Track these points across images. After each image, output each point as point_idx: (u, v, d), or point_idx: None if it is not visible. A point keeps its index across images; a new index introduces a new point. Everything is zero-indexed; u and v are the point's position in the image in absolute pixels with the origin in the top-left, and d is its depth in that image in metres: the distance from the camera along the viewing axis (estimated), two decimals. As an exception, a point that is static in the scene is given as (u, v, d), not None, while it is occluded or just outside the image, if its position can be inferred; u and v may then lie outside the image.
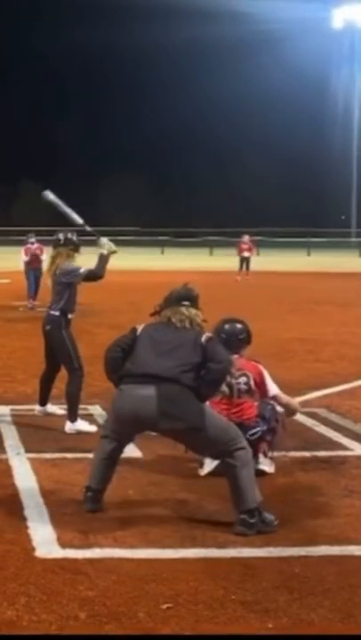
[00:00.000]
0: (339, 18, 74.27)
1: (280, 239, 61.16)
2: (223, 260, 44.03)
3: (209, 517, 5.42)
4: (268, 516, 5.22)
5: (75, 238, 8.33)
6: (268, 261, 39.46)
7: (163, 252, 55.16)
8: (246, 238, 32.12)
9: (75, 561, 4.72)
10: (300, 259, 48.65)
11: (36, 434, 7.41)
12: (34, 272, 19.76)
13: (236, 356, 6.38)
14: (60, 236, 8.37)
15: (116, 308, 17.67)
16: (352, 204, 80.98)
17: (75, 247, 8.22)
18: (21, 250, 21.22)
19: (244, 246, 31.70)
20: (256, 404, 6.47)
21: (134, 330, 5.63)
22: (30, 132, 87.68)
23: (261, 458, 6.33)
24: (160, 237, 59.47)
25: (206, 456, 5.81)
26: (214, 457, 5.53)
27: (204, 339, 5.45)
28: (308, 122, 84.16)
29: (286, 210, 78.05)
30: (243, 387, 6.39)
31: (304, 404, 8.79)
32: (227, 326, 6.63)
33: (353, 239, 70.72)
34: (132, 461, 6.57)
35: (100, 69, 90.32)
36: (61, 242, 8.30)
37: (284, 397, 6.62)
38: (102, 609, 4.17)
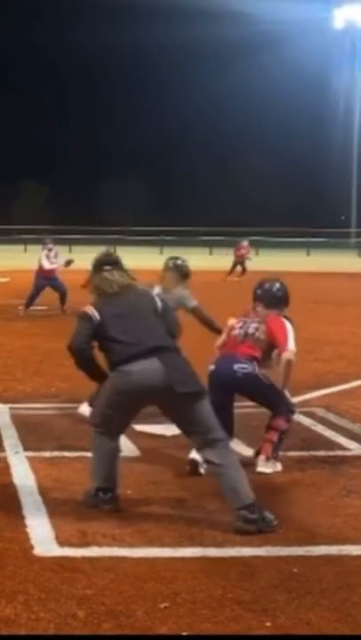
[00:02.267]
0: (340, 18, 74.29)
1: (280, 239, 61.18)
2: (223, 260, 44.03)
3: (208, 516, 5.42)
4: (269, 515, 5.21)
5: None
6: (267, 261, 39.41)
7: (162, 252, 55.16)
8: (245, 243, 32.16)
9: (73, 559, 4.72)
10: (299, 258, 48.64)
11: (34, 432, 7.41)
12: (50, 281, 18.05)
13: (268, 312, 6.65)
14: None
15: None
16: (352, 205, 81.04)
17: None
18: (42, 256, 18.32)
19: (243, 251, 31.76)
20: (258, 348, 6.55)
21: (89, 316, 5.60)
22: (31, 131, 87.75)
23: (261, 461, 6.40)
24: (160, 237, 59.50)
25: (194, 441, 5.59)
26: (199, 444, 5.50)
27: (159, 306, 5.70)
28: (309, 122, 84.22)
29: (286, 210, 78.12)
30: (251, 330, 6.63)
31: (303, 403, 8.79)
32: (266, 284, 6.91)
33: (352, 239, 70.76)
34: (130, 460, 6.57)
35: (100, 69, 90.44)
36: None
37: (290, 360, 6.38)
38: (100, 607, 4.17)
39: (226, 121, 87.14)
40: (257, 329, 6.61)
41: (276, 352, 6.54)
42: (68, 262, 17.91)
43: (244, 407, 8.57)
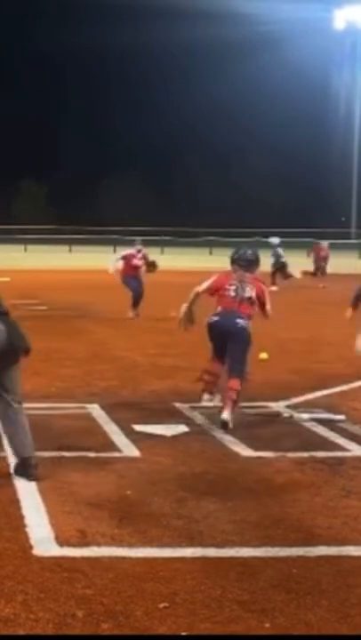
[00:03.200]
0: (340, 18, 74.26)
1: (280, 239, 61.14)
2: (223, 261, 44.02)
3: (207, 516, 5.42)
4: (35, 472, 6.08)
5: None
6: (267, 261, 39.40)
7: (163, 252, 55.18)
8: (325, 244, 32.62)
9: (72, 559, 4.72)
10: (299, 259, 48.59)
11: (34, 432, 7.38)
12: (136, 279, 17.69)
13: (247, 274, 8.51)
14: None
15: (115, 307, 17.66)
16: (352, 206, 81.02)
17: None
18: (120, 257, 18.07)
19: (323, 253, 32.12)
20: (252, 308, 8.45)
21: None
22: (31, 131, 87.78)
23: (226, 414, 7.72)
24: (160, 237, 59.48)
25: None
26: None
27: None
28: (310, 123, 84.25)
29: (286, 210, 78.12)
30: (246, 294, 8.41)
31: (303, 404, 8.81)
32: (241, 250, 8.79)
33: (353, 240, 70.72)
34: (130, 461, 6.58)
35: (101, 69, 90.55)
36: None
37: (270, 310, 8.62)
38: (99, 607, 4.17)
39: (226, 121, 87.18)
40: (251, 292, 8.41)
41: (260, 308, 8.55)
42: (152, 265, 18.14)
43: (241, 407, 8.58)
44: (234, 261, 8.68)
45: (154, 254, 53.11)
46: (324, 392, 9.50)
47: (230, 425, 7.65)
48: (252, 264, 8.70)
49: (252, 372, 8.64)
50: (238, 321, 8.22)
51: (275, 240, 26.81)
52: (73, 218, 68.36)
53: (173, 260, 44.30)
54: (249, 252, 8.81)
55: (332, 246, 60.83)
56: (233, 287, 8.42)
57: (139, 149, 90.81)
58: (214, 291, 8.50)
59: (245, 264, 8.65)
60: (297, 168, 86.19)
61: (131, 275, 17.54)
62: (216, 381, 8.41)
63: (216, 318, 8.31)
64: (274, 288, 22.85)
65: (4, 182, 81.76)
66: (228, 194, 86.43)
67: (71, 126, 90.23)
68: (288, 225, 65.68)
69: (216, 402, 8.29)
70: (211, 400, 8.40)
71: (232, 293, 8.39)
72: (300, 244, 59.25)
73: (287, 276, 25.86)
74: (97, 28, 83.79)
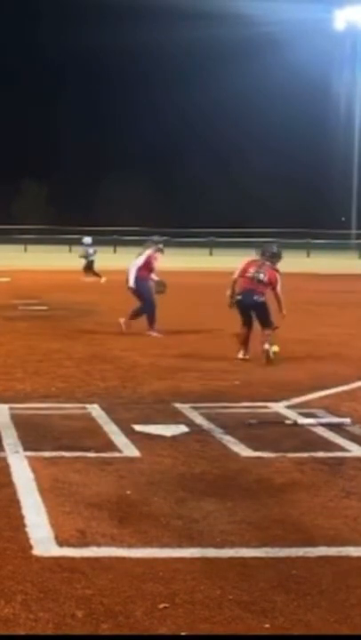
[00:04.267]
0: (341, 19, 74.29)
1: (280, 240, 61.14)
2: (223, 261, 43.97)
3: (207, 517, 5.42)
4: None
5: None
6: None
7: (163, 252, 55.14)
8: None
9: (72, 559, 4.72)
10: (299, 260, 48.60)
11: (34, 432, 7.41)
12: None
13: (267, 263, 11.95)
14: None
15: (115, 307, 17.65)
16: (352, 206, 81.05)
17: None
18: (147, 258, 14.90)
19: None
20: (265, 288, 11.79)
21: None
22: (31, 130, 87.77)
23: (267, 345, 11.40)
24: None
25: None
26: None
27: None
28: (310, 123, 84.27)
29: (286, 211, 78.09)
30: (260, 277, 11.78)
31: (303, 404, 8.81)
32: (267, 245, 12.45)
33: (353, 241, 70.75)
34: (130, 461, 6.58)
35: (102, 69, 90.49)
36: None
37: (279, 291, 11.87)
38: (99, 607, 4.17)
39: (226, 122, 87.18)
40: (264, 276, 11.76)
41: (272, 289, 11.86)
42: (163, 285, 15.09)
43: (241, 407, 8.59)
44: (260, 253, 12.28)
45: (154, 254, 52.10)
46: (325, 392, 9.49)
47: (271, 353, 11.30)
48: (273, 256, 12.12)
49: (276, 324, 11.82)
50: (256, 297, 11.69)
51: (87, 240, 28.99)
52: (73, 218, 68.34)
53: (173, 260, 44.31)
54: (274, 247, 12.33)
55: (331, 246, 61.15)
56: (253, 269, 11.85)
57: (139, 150, 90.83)
58: (242, 273, 11.89)
59: (268, 255, 12.13)
60: (297, 168, 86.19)
61: (146, 279, 14.70)
62: (247, 342, 11.69)
63: (240, 297, 11.79)
64: (88, 280, 27.01)
65: (4, 182, 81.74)
66: (228, 194, 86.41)
67: (71, 126, 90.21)
68: (288, 225, 65.71)
69: (246, 356, 11.59)
70: (244, 355, 11.62)
71: (251, 275, 11.81)
72: (301, 245, 59.38)
73: (94, 274, 27.58)
74: (97, 28, 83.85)
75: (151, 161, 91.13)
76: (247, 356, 11.54)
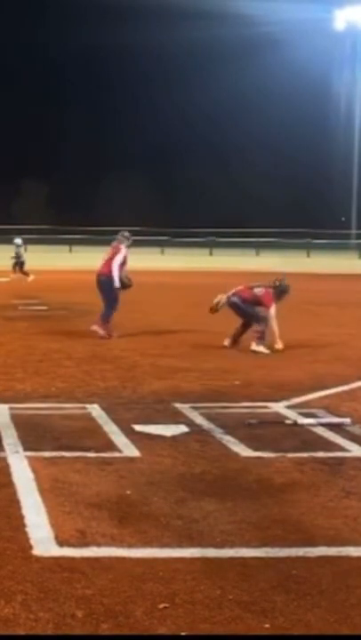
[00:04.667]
0: (341, 19, 74.29)
1: (280, 240, 61.16)
2: (223, 261, 43.99)
3: (207, 517, 5.42)
4: None
5: None
6: (267, 262, 39.45)
7: (163, 252, 55.19)
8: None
9: (72, 559, 4.72)
10: (299, 260, 48.63)
11: (34, 432, 7.41)
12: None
13: (270, 290, 12.81)
14: None
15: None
16: (352, 206, 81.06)
17: None
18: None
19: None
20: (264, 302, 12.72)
21: None
22: (31, 130, 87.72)
23: (254, 345, 12.35)
24: (160, 237, 59.46)
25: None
26: None
27: None
28: (310, 123, 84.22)
29: (286, 211, 78.07)
30: (256, 291, 12.83)
31: (303, 404, 8.81)
32: (280, 277, 13.23)
33: (353, 241, 70.74)
34: (130, 461, 6.58)
35: (102, 69, 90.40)
36: None
37: (273, 323, 12.62)
38: (99, 607, 4.17)
39: (227, 121, 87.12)
40: (260, 291, 12.76)
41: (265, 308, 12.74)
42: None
43: (241, 407, 8.59)
44: (272, 284, 12.99)
45: (154, 254, 53.05)
46: (324, 392, 9.49)
47: (258, 350, 12.39)
48: (281, 291, 12.95)
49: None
50: (234, 299, 12.81)
51: (18, 241, 30.73)
52: (73, 218, 68.31)
53: (173, 260, 44.36)
54: (285, 283, 13.09)
55: (331, 246, 61.14)
56: (254, 285, 13.04)
57: (139, 150, 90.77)
58: (246, 283, 13.35)
59: (278, 287, 12.95)
60: (297, 168, 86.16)
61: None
62: (238, 336, 12.86)
63: (228, 297, 12.92)
64: (8, 278, 27.92)
65: (4, 182, 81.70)
66: (228, 194, 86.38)
67: (71, 126, 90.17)
68: (288, 225, 65.70)
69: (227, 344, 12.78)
70: (230, 344, 12.78)
71: (249, 286, 13.06)
72: (301, 244, 59.39)
73: (24, 273, 28.95)
74: (97, 27, 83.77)
75: (151, 161, 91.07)
76: (227, 344, 12.70)
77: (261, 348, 12.31)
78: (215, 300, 12.92)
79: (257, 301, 12.65)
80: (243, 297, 12.68)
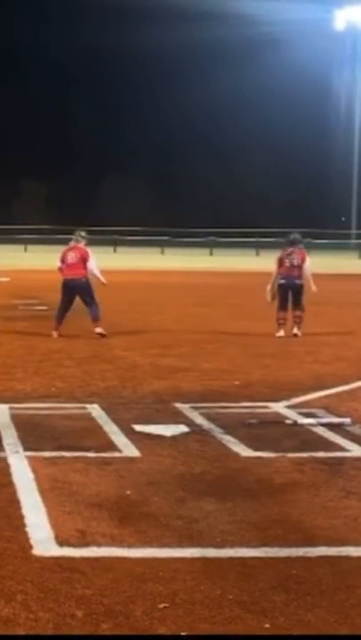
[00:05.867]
0: (341, 19, 74.29)
1: (281, 239, 61.12)
2: (223, 261, 44.01)
3: (207, 517, 5.42)
4: None
5: None
6: (267, 262, 39.43)
7: (163, 252, 55.18)
8: None
9: (72, 559, 4.72)
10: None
11: (34, 432, 7.41)
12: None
13: (295, 249, 14.67)
14: None
15: (115, 307, 17.65)
16: (352, 206, 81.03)
17: None
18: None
19: None
20: (300, 270, 14.51)
21: None
22: (31, 131, 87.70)
23: (296, 329, 14.03)
24: (160, 237, 59.46)
25: None
26: None
27: None
28: (310, 123, 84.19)
29: (286, 211, 78.04)
30: (295, 262, 14.47)
31: (303, 404, 8.81)
32: (288, 236, 14.95)
33: (353, 241, 70.71)
34: (130, 461, 6.58)
35: (103, 69, 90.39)
36: None
37: (309, 274, 14.71)
38: (99, 607, 4.17)
39: (227, 121, 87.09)
40: (298, 259, 14.47)
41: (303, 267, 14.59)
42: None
43: (241, 407, 8.60)
44: (286, 244, 14.81)
45: (154, 254, 53.10)
46: (324, 392, 9.49)
47: (300, 335, 13.88)
48: (295, 242, 14.85)
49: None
50: (297, 281, 14.44)
51: None
52: (73, 218, 68.29)
53: (173, 260, 44.36)
54: (292, 235, 15.04)
55: (332, 246, 61.13)
56: (288, 256, 14.49)
57: (139, 149, 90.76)
58: (280, 264, 14.43)
59: (293, 242, 14.79)
60: (298, 168, 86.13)
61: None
62: (285, 322, 14.11)
63: (283, 281, 14.41)
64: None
65: (4, 182, 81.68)
66: (228, 194, 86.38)
67: (71, 126, 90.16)
68: (288, 225, 65.65)
69: (283, 334, 13.93)
70: (282, 334, 13.94)
71: (288, 262, 14.44)
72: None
73: None
74: (98, 28, 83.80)
75: (152, 161, 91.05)
76: (283, 334, 13.94)
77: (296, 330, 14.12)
78: (268, 288, 14.52)
79: (301, 270, 14.49)
80: (298, 274, 14.41)
